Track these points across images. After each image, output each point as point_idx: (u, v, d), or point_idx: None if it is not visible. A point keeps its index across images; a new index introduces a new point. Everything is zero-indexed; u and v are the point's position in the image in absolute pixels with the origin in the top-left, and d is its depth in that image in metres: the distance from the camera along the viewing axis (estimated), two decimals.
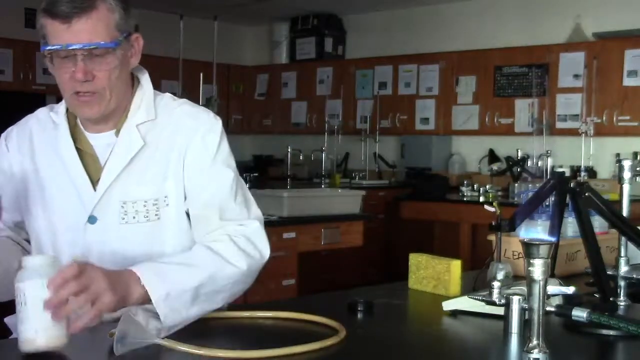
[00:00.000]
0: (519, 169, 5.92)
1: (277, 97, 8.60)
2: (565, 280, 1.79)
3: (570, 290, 1.60)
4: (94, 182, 1.69)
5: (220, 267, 1.61)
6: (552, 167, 5.82)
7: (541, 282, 1.24)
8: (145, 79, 1.78)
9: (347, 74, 8.02)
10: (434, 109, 7.41)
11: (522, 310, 1.48)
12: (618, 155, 6.25)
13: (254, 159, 8.59)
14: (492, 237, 2.01)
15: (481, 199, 5.66)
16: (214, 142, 1.74)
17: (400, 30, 7.90)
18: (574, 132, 6.40)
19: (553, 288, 1.60)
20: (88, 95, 1.62)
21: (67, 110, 1.74)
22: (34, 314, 1.32)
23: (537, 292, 1.24)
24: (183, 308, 1.52)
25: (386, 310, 1.76)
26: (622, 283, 1.70)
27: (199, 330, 1.55)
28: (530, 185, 5.20)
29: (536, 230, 1.36)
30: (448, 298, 1.76)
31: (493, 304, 1.55)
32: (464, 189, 5.90)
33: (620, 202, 1.72)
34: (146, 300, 1.49)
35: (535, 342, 1.23)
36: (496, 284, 1.54)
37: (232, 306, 1.80)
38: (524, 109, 6.78)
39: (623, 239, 1.71)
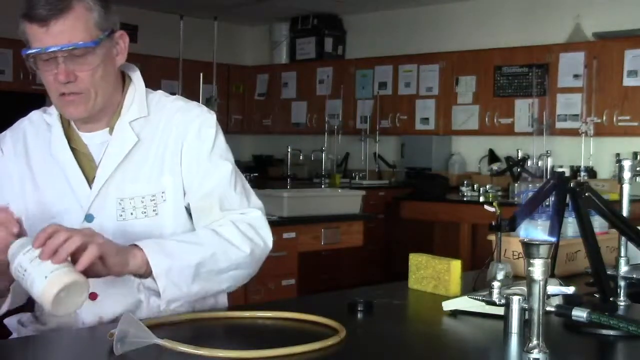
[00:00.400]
0: (519, 169, 5.92)
1: (277, 97, 8.60)
2: (565, 280, 1.79)
3: (570, 290, 1.60)
4: (90, 181, 1.70)
5: (223, 248, 1.63)
6: (552, 167, 5.82)
7: (541, 282, 1.24)
8: (136, 77, 1.78)
9: (347, 74, 8.02)
10: (434, 109, 7.41)
11: (522, 310, 1.48)
12: (618, 155, 6.25)
13: (254, 159, 8.59)
14: (492, 237, 2.01)
15: (481, 199, 5.66)
16: (209, 135, 1.74)
17: (400, 30, 7.90)
18: (574, 132, 6.41)
19: (553, 288, 1.59)
20: (73, 96, 1.62)
21: None
22: (37, 268, 1.33)
23: (537, 292, 1.24)
24: (184, 283, 1.53)
25: (386, 310, 1.76)
26: (622, 283, 1.70)
27: (199, 330, 1.55)
28: (530, 185, 5.21)
29: (536, 230, 1.36)
30: (448, 298, 1.76)
31: (493, 304, 1.54)
32: (464, 189, 5.91)
33: (620, 202, 1.72)
34: (146, 271, 1.50)
35: (535, 342, 1.23)
36: (496, 284, 1.54)
37: (232, 306, 1.80)
38: (524, 109, 6.78)
39: (623, 239, 1.71)
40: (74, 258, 1.37)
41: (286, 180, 7.12)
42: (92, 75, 1.62)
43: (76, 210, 1.69)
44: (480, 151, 7.18)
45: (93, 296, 1.63)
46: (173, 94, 1.86)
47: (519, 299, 1.49)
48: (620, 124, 6.30)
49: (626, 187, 1.72)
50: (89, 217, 1.69)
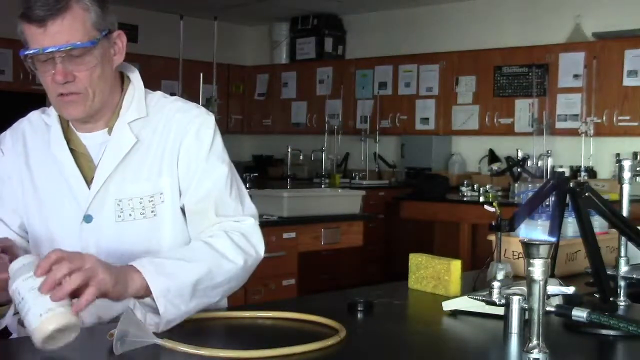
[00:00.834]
0: (519, 169, 5.91)
1: (277, 97, 8.60)
2: (565, 280, 1.79)
3: (570, 290, 1.60)
4: (88, 181, 1.69)
5: (218, 262, 1.62)
6: (552, 167, 5.82)
7: (541, 282, 1.24)
8: (135, 77, 1.77)
9: (347, 74, 8.02)
10: (434, 109, 7.41)
11: (522, 310, 1.48)
12: (618, 155, 6.25)
13: (254, 159, 8.59)
14: (492, 237, 2.01)
15: (481, 199, 5.65)
16: (207, 137, 1.74)
17: (400, 30, 7.90)
18: (574, 132, 6.41)
19: (553, 288, 1.59)
20: (71, 96, 1.62)
21: None
22: (34, 302, 1.31)
23: (537, 292, 1.24)
24: (182, 303, 1.52)
25: (386, 310, 1.76)
26: (622, 283, 1.70)
27: (199, 330, 1.55)
28: (530, 185, 5.21)
29: (536, 230, 1.36)
30: (448, 298, 1.76)
31: (493, 304, 1.54)
32: (464, 189, 5.90)
33: (620, 202, 1.72)
34: (145, 293, 1.49)
35: (535, 342, 1.23)
36: (496, 284, 1.54)
37: (232, 306, 1.80)
38: (524, 109, 6.78)
39: (623, 239, 1.71)
40: (73, 293, 1.37)
41: (286, 180, 7.12)
42: (90, 75, 1.62)
43: (75, 211, 1.69)
44: (480, 151, 7.18)
45: None
46: (173, 94, 1.86)
47: (519, 299, 1.49)
48: (620, 124, 6.31)
49: (626, 187, 1.72)
50: (87, 218, 1.69)
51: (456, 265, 1.88)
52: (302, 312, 1.61)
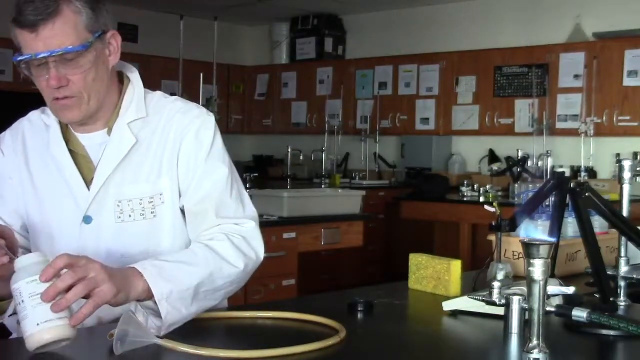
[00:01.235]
0: (519, 169, 5.91)
1: (277, 97, 8.60)
2: (565, 280, 1.79)
3: (570, 290, 1.60)
4: (88, 182, 1.69)
5: (219, 266, 1.61)
6: (552, 167, 5.82)
7: (541, 282, 1.24)
8: (134, 77, 1.77)
9: (347, 74, 8.02)
10: (434, 109, 7.41)
11: (522, 310, 1.48)
12: (618, 155, 6.25)
13: (254, 159, 8.59)
14: (492, 237, 2.01)
15: (481, 199, 5.66)
16: (207, 137, 1.73)
17: (400, 30, 7.90)
18: (574, 132, 6.41)
19: (553, 288, 1.59)
20: (66, 100, 1.61)
21: None
22: (32, 309, 1.31)
23: (537, 292, 1.24)
24: (183, 306, 1.52)
25: (386, 310, 1.76)
26: (622, 283, 1.70)
27: (200, 330, 1.55)
28: (530, 185, 5.21)
29: (536, 230, 1.36)
30: (448, 298, 1.76)
31: (493, 304, 1.55)
32: (464, 189, 5.90)
33: (620, 202, 1.72)
34: (147, 296, 1.49)
35: (535, 342, 1.23)
36: (496, 284, 1.54)
37: (232, 306, 1.80)
38: (524, 109, 6.78)
39: (623, 239, 1.71)
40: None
41: (286, 180, 7.11)
42: (84, 78, 1.61)
43: (74, 212, 1.69)
44: (480, 151, 7.18)
45: None
46: (173, 94, 1.85)
47: (519, 299, 1.49)
48: (620, 124, 6.30)
49: (626, 187, 1.72)
50: (87, 219, 1.68)
51: (456, 265, 1.88)
52: (302, 312, 1.61)
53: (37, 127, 1.76)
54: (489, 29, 7.25)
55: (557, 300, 1.60)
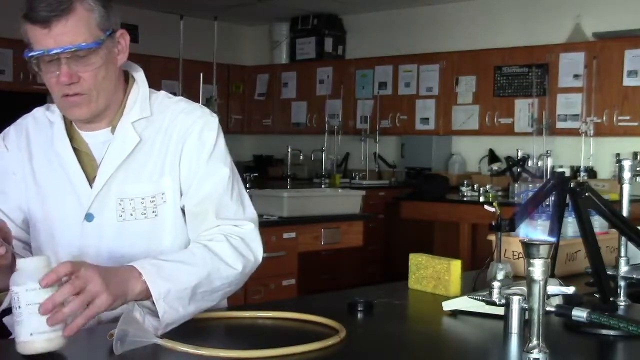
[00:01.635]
0: (519, 169, 5.91)
1: (277, 97, 8.60)
2: (565, 280, 1.79)
3: (570, 290, 1.60)
4: (91, 180, 1.69)
5: (217, 267, 1.62)
6: (552, 167, 5.82)
7: (541, 282, 1.24)
8: (139, 77, 1.77)
9: (347, 74, 8.02)
10: (434, 109, 7.41)
11: (522, 310, 1.48)
12: (618, 155, 6.25)
13: (254, 159, 8.59)
14: (492, 237, 2.01)
15: (481, 199, 5.66)
16: (210, 138, 1.73)
17: (400, 30, 7.90)
18: (574, 132, 6.41)
19: (553, 288, 1.60)
20: (76, 97, 1.62)
21: None
22: (29, 317, 1.31)
23: (537, 292, 1.24)
24: (181, 306, 1.52)
25: (386, 310, 1.76)
26: (622, 283, 1.70)
27: (200, 330, 1.55)
28: (530, 185, 5.20)
29: (536, 230, 1.36)
30: (448, 298, 1.76)
31: (493, 304, 1.55)
32: (464, 189, 5.90)
33: (620, 202, 1.72)
34: (146, 296, 1.49)
35: (535, 342, 1.23)
36: (496, 284, 1.54)
37: (232, 306, 1.80)
38: (524, 109, 6.78)
39: (623, 239, 1.71)
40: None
41: (286, 180, 7.11)
42: (95, 75, 1.61)
43: (76, 210, 1.69)
44: (480, 151, 7.18)
45: None
46: (174, 94, 1.85)
47: (519, 299, 1.49)
48: (620, 124, 6.31)
49: (626, 187, 1.72)
50: (88, 217, 1.69)
51: (456, 265, 1.88)
52: (302, 312, 1.61)
53: (42, 123, 1.77)
54: (489, 29, 7.25)
55: (557, 300, 1.60)
